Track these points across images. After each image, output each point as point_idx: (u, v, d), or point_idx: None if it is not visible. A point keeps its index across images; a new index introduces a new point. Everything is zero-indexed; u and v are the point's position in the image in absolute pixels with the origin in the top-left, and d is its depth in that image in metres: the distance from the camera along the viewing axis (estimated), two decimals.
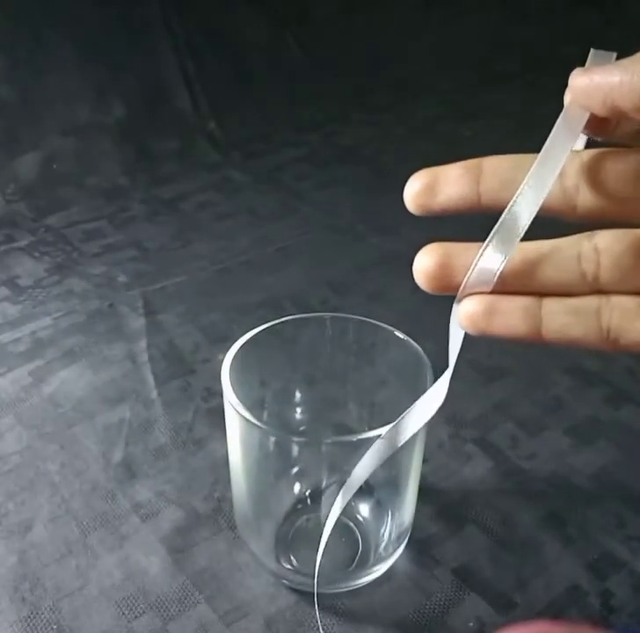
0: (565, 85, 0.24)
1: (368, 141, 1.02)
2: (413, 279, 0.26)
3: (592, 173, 0.21)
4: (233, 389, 0.34)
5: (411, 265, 0.27)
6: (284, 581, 0.40)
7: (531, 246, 0.22)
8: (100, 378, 0.57)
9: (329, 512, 0.30)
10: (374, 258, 0.73)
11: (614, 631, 0.34)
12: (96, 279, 0.72)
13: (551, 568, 0.40)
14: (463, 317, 0.20)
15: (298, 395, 0.43)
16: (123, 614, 0.38)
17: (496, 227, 0.22)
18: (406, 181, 0.25)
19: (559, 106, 0.25)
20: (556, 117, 0.25)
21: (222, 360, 0.36)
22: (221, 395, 0.34)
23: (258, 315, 0.65)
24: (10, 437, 0.51)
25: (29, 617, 0.38)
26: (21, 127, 0.93)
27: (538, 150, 0.25)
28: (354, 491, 0.29)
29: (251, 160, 0.98)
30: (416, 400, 0.31)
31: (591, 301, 0.19)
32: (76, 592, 0.39)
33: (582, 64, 0.25)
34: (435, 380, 0.28)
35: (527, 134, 1.18)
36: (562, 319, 0.19)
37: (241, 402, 0.33)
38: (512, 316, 0.19)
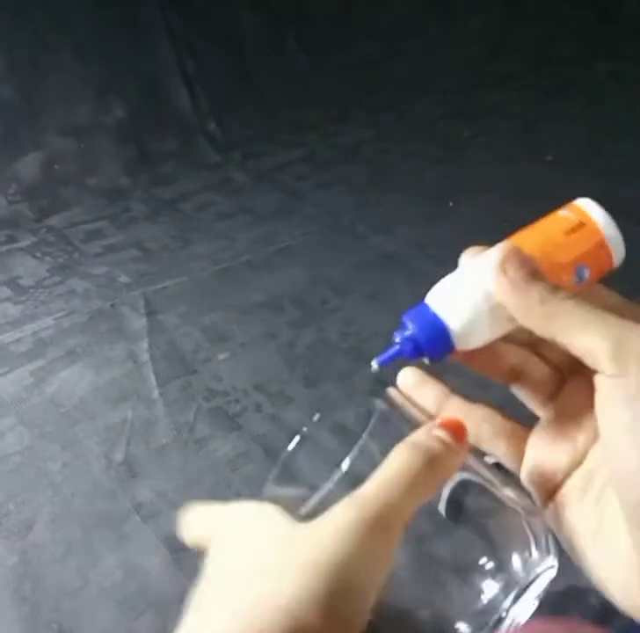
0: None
1: (368, 141, 1.02)
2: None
3: None
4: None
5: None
6: None
7: None
8: (102, 378, 0.57)
9: None
10: (374, 258, 0.73)
11: (613, 631, 0.34)
12: (97, 279, 0.73)
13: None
14: (400, 375, 0.26)
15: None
16: (123, 613, 0.39)
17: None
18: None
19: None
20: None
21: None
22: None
23: (258, 314, 0.65)
24: (11, 437, 0.52)
25: (30, 616, 0.38)
26: (22, 128, 0.93)
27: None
28: None
29: (252, 160, 0.98)
30: None
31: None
32: (76, 591, 0.39)
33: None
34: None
35: (527, 135, 1.17)
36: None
37: None
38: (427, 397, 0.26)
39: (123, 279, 0.73)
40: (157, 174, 0.93)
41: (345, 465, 0.24)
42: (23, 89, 0.94)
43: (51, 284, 0.72)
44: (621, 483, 0.20)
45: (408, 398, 0.27)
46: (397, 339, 0.24)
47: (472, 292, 0.23)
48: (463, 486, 0.24)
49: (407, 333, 0.24)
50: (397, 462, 0.20)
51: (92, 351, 0.61)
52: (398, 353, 0.24)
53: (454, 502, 0.23)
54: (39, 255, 0.77)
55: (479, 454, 0.26)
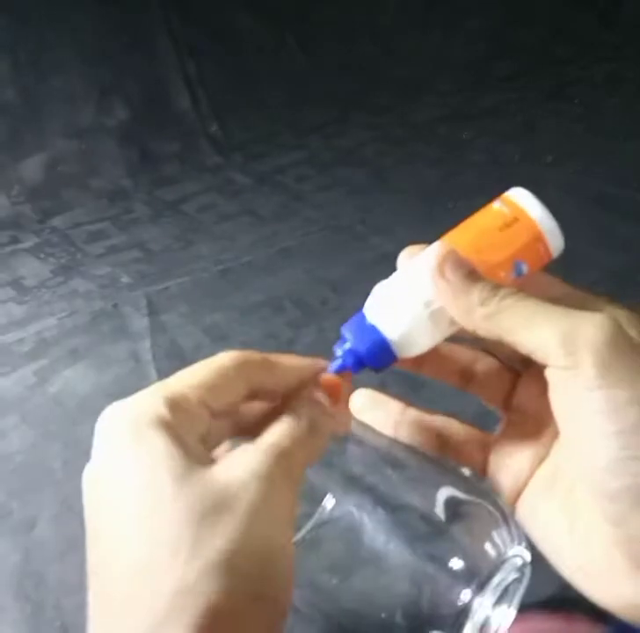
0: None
1: (368, 142, 1.03)
2: None
3: None
4: None
5: None
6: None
7: None
8: (104, 377, 0.58)
9: None
10: (374, 258, 0.73)
11: (611, 628, 0.34)
12: (100, 279, 0.73)
13: (548, 563, 0.40)
14: (351, 400, 0.26)
15: None
16: None
17: None
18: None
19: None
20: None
21: None
22: None
23: (259, 315, 0.65)
24: (14, 436, 0.52)
25: (33, 614, 0.38)
26: (25, 130, 0.93)
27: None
28: None
29: (253, 162, 0.98)
30: None
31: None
32: (79, 589, 0.40)
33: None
34: None
35: (527, 136, 1.17)
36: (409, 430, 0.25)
37: None
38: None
39: (125, 279, 0.73)
40: (159, 176, 0.94)
41: (329, 503, 0.24)
42: (25, 91, 0.94)
43: (54, 284, 0.72)
44: (591, 478, 0.19)
45: (362, 423, 0.26)
46: (339, 353, 0.24)
47: (409, 298, 0.23)
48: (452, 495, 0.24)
49: (347, 346, 0.23)
50: (280, 428, 0.20)
51: (95, 351, 0.62)
52: (342, 367, 0.24)
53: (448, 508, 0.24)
54: (42, 256, 0.78)
55: (453, 463, 0.26)
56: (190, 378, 0.20)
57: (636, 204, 0.78)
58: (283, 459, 0.19)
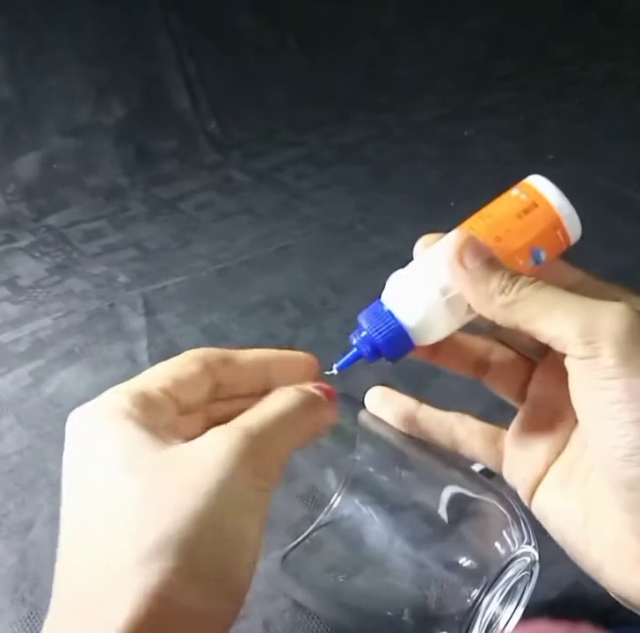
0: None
1: (368, 141, 1.02)
2: None
3: None
4: None
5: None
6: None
7: None
8: (100, 378, 0.57)
9: None
10: (374, 258, 0.73)
11: (614, 631, 0.34)
12: (96, 279, 0.73)
13: (551, 568, 0.40)
14: (367, 397, 0.26)
15: None
16: None
17: None
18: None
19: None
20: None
21: None
22: None
23: (258, 314, 0.65)
24: (10, 437, 0.51)
25: (29, 617, 0.38)
26: (21, 128, 0.93)
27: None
28: None
29: (252, 160, 0.98)
30: None
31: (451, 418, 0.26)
32: None
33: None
34: None
35: (527, 135, 1.17)
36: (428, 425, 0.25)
37: None
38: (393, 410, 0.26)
39: (122, 278, 0.73)
40: (157, 174, 0.94)
41: (334, 503, 0.24)
42: (23, 89, 0.94)
43: (49, 284, 0.72)
44: (609, 467, 0.19)
45: (375, 419, 0.26)
46: (354, 341, 0.23)
47: (426, 286, 0.22)
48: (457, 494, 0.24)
49: (363, 334, 0.23)
50: (276, 402, 0.20)
51: (91, 351, 0.61)
52: (357, 356, 0.23)
53: (452, 507, 0.23)
54: (37, 255, 0.77)
55: (464, 461, 0.26)
56: (154, 374, 0.20)
57: (636, 204, 0.78)
58: (251, 442, 0.18)
